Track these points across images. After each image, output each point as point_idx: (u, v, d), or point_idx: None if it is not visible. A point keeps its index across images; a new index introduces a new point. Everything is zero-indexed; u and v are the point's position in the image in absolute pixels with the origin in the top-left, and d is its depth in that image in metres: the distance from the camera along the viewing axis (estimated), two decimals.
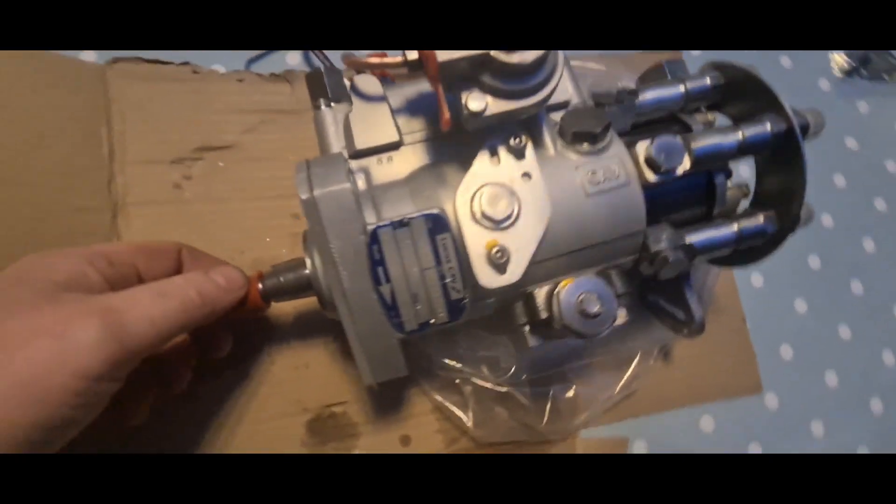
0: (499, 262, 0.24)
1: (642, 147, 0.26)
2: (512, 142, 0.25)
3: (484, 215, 0.24)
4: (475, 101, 0.23)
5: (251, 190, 0.37)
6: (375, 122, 0.27)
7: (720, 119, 0.31)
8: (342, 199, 0.23)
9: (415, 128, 0.28)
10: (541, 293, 0.27)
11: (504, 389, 0.35)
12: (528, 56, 0.22)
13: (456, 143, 0.27)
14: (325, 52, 0.37)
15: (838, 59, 0.46)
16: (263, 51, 0.39)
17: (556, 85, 0.24)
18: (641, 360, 0.38)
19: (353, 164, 0.27)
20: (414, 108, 0.28)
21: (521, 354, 0.34)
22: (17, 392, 0.18)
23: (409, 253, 0.25)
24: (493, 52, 0.22)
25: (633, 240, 0.27)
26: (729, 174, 0.29)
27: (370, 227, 0.24)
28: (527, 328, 0.28)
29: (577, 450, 0.36)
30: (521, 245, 0.25)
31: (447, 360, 0.34)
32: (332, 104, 0.28)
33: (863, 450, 0.42)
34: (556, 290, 0.26)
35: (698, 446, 0.38)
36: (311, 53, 0.40)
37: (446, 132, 0.24)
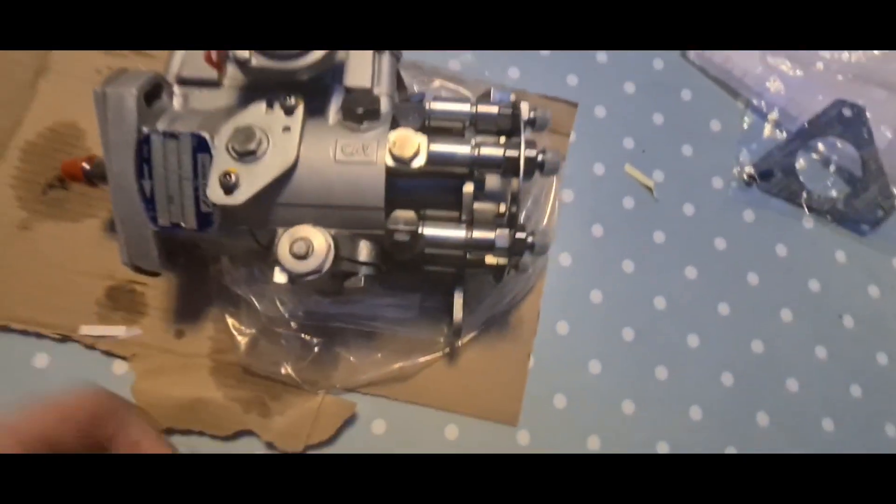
0: (228, 184, 0.29)
1: (391, 135, 0.30)
2: (286, 100, 0.31)
3: (233, 147, 0.29)
4: (239, 52, 0.28)
5: None
6: (204, 63, 0.33)
7: None
8: (123, 100, 0.29)
9: (237, 77, 0.34)
10: (281, 231, 0.31)
11: (280, 329, 0.39)
12: None
13: (254, 93, 0.32)
14: None
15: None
16: None
17: (319, 61, 0.29)
18: (426, 352, 0.41)
19: (178, 88, 0.33)
20: None
21: (294, 297, 0.38)
22: None
23: (173, 161, 0.30)
24: None
25: (374, 214, 0.32)
26: (480, 187, 0.33)
27: (146, 131, 0.30)
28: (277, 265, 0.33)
29: (311, 404, 0.39)
30: (254, 179, 0.29)
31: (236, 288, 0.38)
32: None
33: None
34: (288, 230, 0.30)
35: (435, 447, 0.40)
36: None
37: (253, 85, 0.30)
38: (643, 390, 0.44)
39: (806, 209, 0.48)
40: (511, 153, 0.30)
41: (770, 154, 0.49)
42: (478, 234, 0.32)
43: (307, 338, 0.40)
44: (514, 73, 0.49)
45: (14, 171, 0.41)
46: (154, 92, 0.32)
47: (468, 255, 0.35)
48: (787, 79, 0.50)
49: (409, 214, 0.32)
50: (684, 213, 0.48)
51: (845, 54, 0.49)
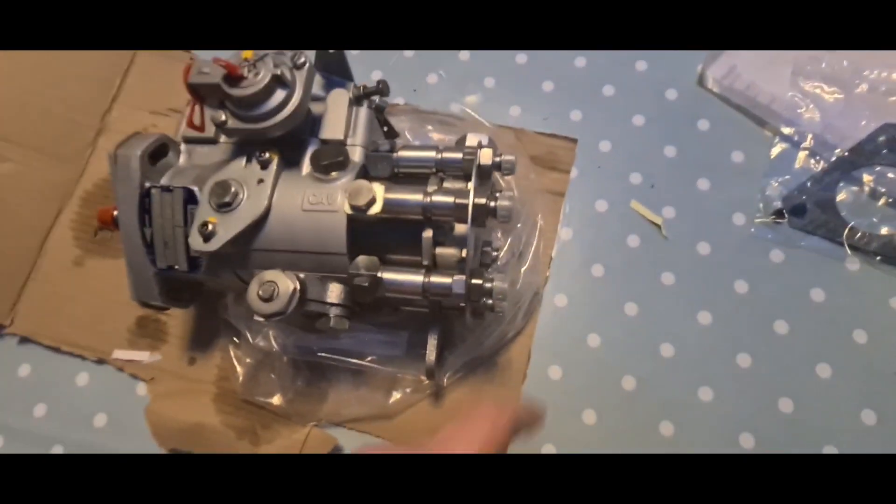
0: (206, 232, 0.32)
1: (348, 185, 0.32)
2: (261, 155, 0.34)
3: (212, 199, 0.33)
4: (216, 115, 0.32)
5: None
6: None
7: None
8: (129, 161, 0.34)
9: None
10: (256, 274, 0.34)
11: (273, 362, 0.42)
12: (246, 92, 0.30)
13: (242, 149, 0.36)
14: None
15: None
16: None
17: (284, 120, 0.32)
18: (411, 391, 0.42)
19: (184, 146, 0.38)
20: None
21: (284, 332, 0.41)
22: None
23: (168, 211, 0.34)
24: (222, 85, 0.30)
25: (339, 259, 0.33)
26: (445, 232, 0.33)
27: (147, 185, 0.34)
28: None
29: (298, 436, 0.40)
30: (229, 228, 0.32)
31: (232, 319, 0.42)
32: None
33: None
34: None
35: None
36: None
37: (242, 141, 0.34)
38: (645, 447, 0.40)
39: (848, 248, 0.42)
40: (461, 200, 0.30)
41: (803, 187, 0.44)
42: (435, 279, 0.32)
43: (296, 371, 0.42)
44: (515, 111, 0.49)
45: (74, 216, 0.49)
46: (161, 151, 0.37)
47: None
48: (824, 103, 0.45)
49: (372, 260, 0.33)
50: (698, 253, 0.44)
51: (895, 73, 0.43)
